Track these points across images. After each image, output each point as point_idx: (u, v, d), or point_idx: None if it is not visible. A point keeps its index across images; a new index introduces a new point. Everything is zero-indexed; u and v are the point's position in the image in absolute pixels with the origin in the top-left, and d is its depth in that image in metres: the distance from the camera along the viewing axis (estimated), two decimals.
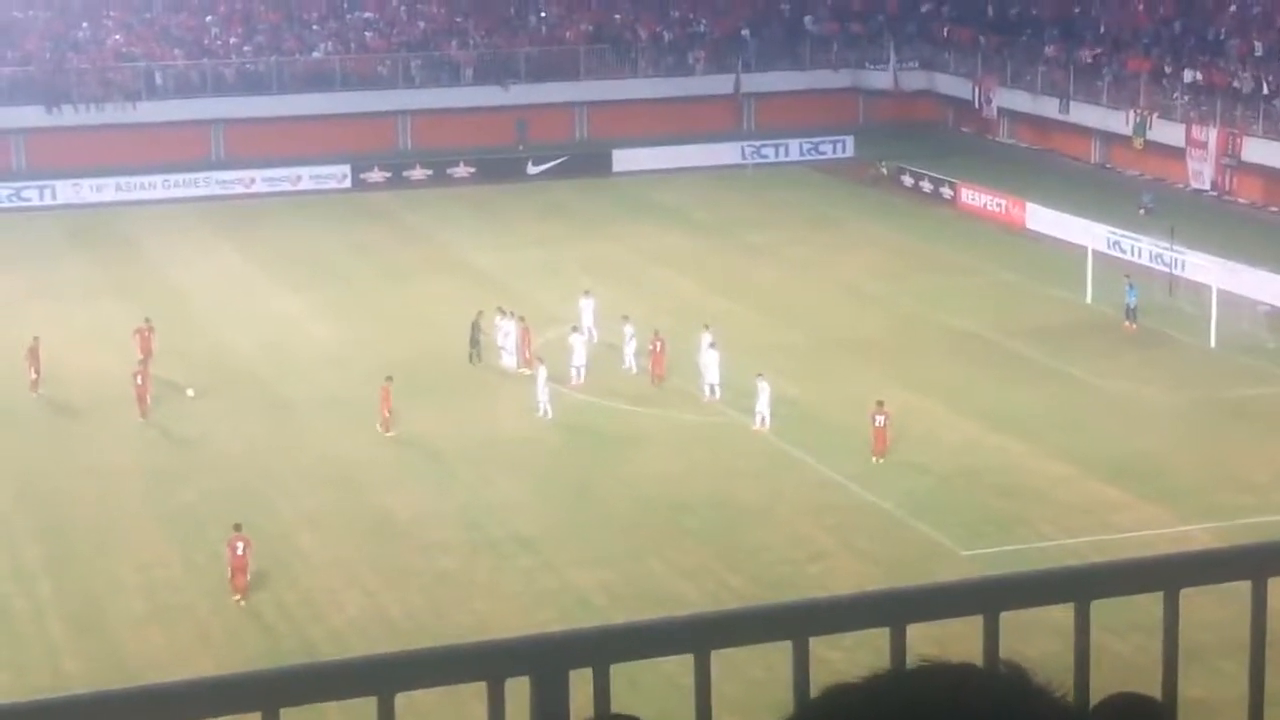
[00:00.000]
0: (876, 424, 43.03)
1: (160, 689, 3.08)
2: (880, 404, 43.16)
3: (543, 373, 46.97)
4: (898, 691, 2.37)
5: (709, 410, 46.94)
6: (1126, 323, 54.10)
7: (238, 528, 36.69)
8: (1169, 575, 3.45)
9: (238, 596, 35.89)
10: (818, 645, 3.26)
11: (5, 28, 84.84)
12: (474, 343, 51.16)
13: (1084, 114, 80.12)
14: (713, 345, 48.41)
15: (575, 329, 49.84)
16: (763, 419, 44.98)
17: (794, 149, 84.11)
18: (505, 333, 51.19)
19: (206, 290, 60.60)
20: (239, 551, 36.13)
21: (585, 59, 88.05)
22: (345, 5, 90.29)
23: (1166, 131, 75.22)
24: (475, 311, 51.95)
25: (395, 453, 44.11)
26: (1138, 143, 76.61)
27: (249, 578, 36.04)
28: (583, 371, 48.67)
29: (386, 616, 34.80)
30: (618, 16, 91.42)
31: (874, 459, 42.69)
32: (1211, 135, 73.00)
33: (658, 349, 49.36)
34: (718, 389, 47.65)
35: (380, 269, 63.20)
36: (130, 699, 3.07)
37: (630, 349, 50.32)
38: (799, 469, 42.30)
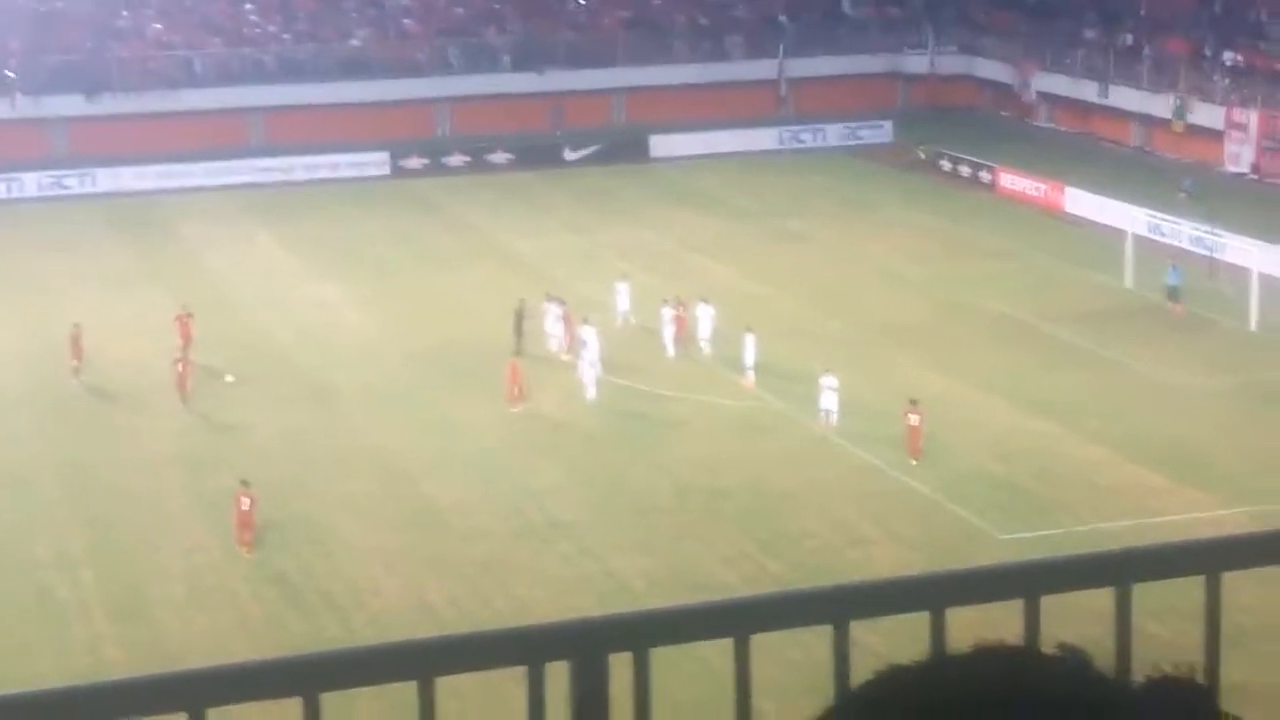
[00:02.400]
0: (910, 423, 41.84)
1: (201, 673, 3.09)
2: (914, 403, 42.05)
3: (586, 355, 47.01)
4: (955, 673, 2.33)
5: (748, 395, 46.91)
6: (1171, 305, 53.82)
7: (245, 484, 37.80)
8: (1211, 559, 3.43)
9: (244, 549, 37.12)
10: (856, 629, 3.26)
11: (47, 17, 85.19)
12: (518, 330, 51.01)
13: (1123, 97, 79.79)
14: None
15: (586, 321, 49.17)
16: (828, 415, 43.74)
17: (832, 134, 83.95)
18: (554, 317, 51.13)
19: (246, 277, 60.81)
20: (244, 507, 37.49)
21: (623, 45, 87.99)
22: None
23: (1207, 114, 74.87)
24: (519, 300, 51.83)
25: (435, 439, 44.21)
26: (1178, 126, 76.26)
27: (254, 533, 37.44)
28: (597, 363, 47.80)
29: (426, 602, 34.90)
30: (655, 2, 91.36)
31: (911, 460, 41.67)
32: (1252, 118, 72.61)
33: (681, 315, 50.48)
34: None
35: (419, 256, 63.32)
36: (171, 683, 3.08)
37: (669, 333, 50.34)
38: (837, 454, 42.25)
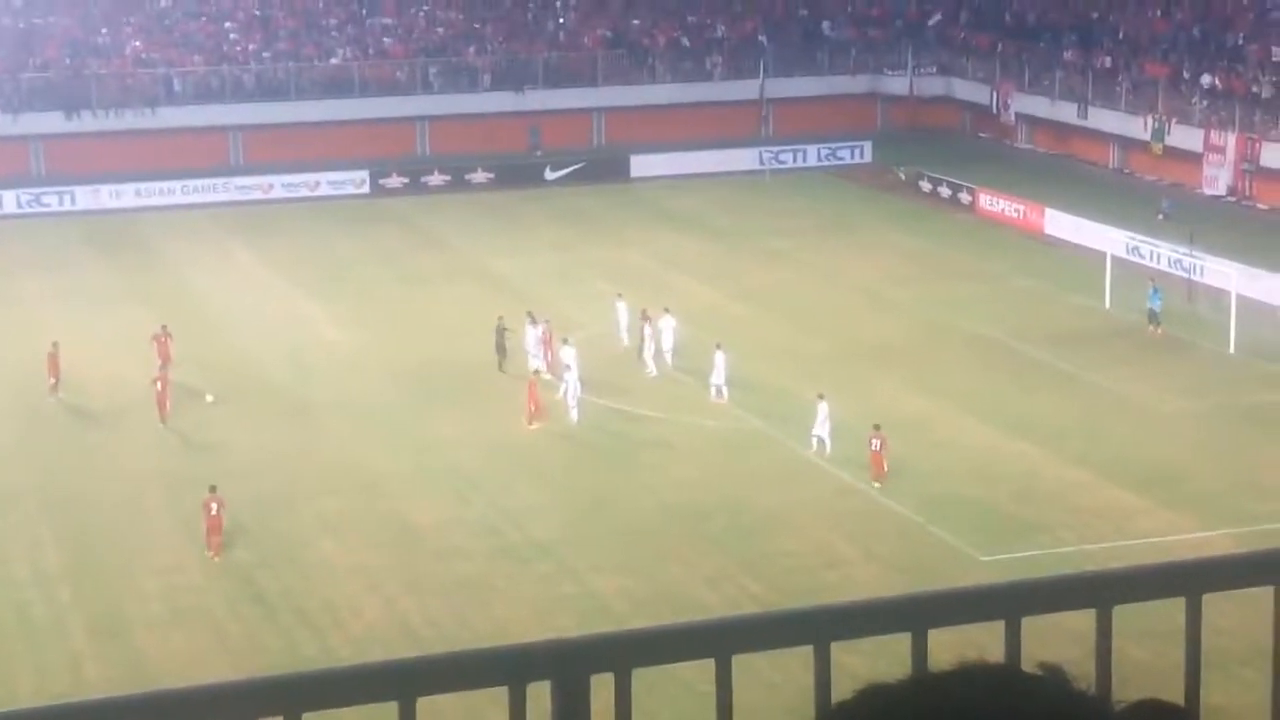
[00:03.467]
0: (873, 448, 41.74)
1: (181, 693, 3.08)
2: (877, 427, 41.96)
3: (570, 377, 46.85)
4: (937, 691, 2.31)
5: (729, 416, 46.91)
6: (1151, 327, 53.92)
7: (212, 489, 38.56)
8: (1192, 581, 3.44)
9: (212, 554, 37.91)
10: (837, 651, 3.26)
11: (25, 34, 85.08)
12: (500, 349, 51.00)
13: (1102, 119, 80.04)
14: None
15: (565, 341, 49.15)
16: (820, 442, 43.43)
17: (812, 155, 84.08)
18: (536, 338, 51.10)
19: (225, 296, 60.71)
20: (213, 511, 38.27)
21: (603, 65, 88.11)
22: (364, 11, 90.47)
23: (1185, 137, 75.12)
24: (497, 317, 51.86)
25: (415, 458, 44.14)
26: (1156, 148, 76.49)
27: (222, 537, 38.22)
28: (577, 385, 47.52)
29: (406, 622, 34.82)
30: (635, 22, 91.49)
31: (874, 484, 41.51)
32: (1230, 140, 72.87)
33: (645, 329, 51.08)
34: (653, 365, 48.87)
35: (399, 274, 63.27)
36: (151, 703, 3.07)
37: (650, 352, 50.35)
38: (818, 474, 42.25)
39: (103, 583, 36.91)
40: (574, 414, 46.36)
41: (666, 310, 51.90)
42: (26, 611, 35.72)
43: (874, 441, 41.73)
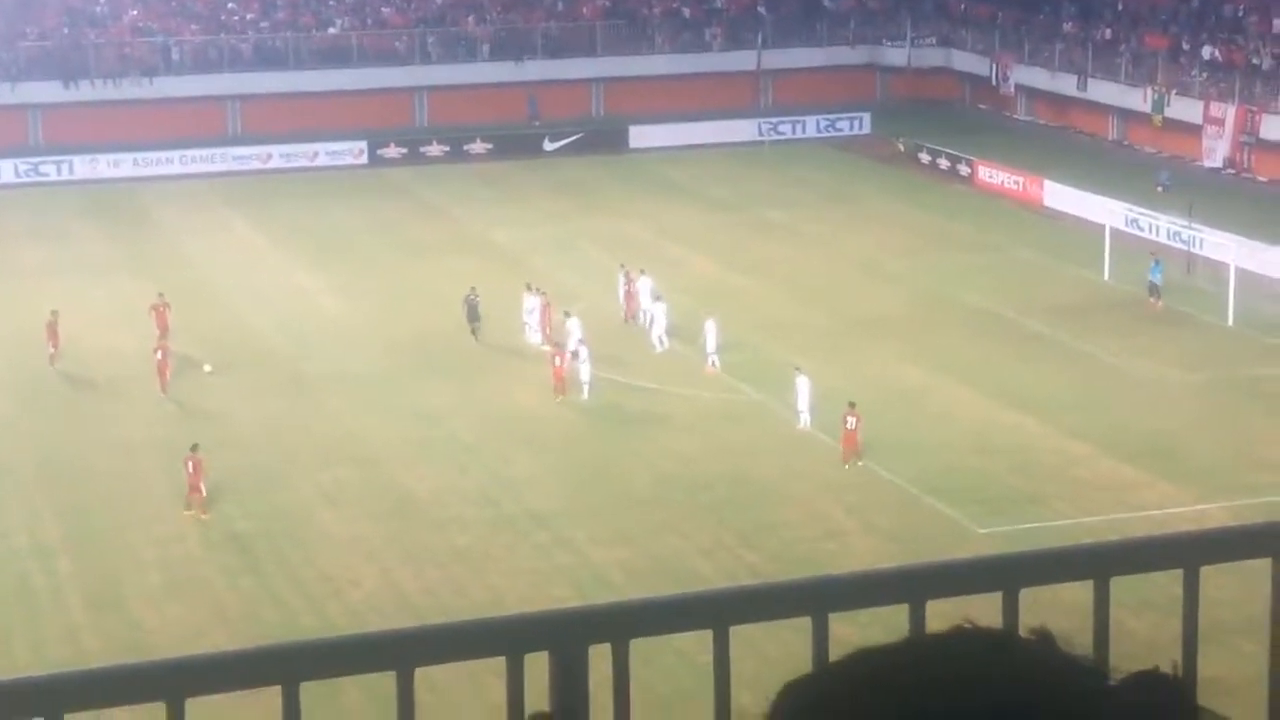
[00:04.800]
0: (847, 426, 41.24)
1: (179, 662, 3.08)
2: (852, 405, 41.54)
3: (584, 353, 46.71)
4: (929, 655, 2.29)
5: (726, 387, 46.92)
6: (1151, 299, 53.91)
7: (193, 448, 39.23)
8: (1189, 552, 3.44)
9: (188, 511, 38.52)
10: (834, 622, 3.27)
11: (23, 3, 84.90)
12: (472, 317, 51.15)
13: (1102, 91, 79.94)
14: (659, 298, 50.82)
15: (568, 313, 49.27)
16: (804, 417, 43.32)
17: (811, 126, 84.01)
18: (530, 309, 51.18)
19: (223, 266, 60.69)
20: (189, 469, 38.89)
21: (601, 35, 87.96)
22: None
23: (1185, 109, 75.03)
24: (469, 288, 51.93)
25: (412, 429, 44.16)
26: (1156, 120, 76.41)
27: (202, 495, 38.68)
28: (584, 353, 47.79)
29: (403, 592, 34.88)
30: None
31: (845, 464, 41.07)
32: (1229, 112, 72.79)
33: (630, 289, 52.63)
34: (665, 340, 49.59)
35: (397, 245, 63.23)
36: (151, 672, 3.07)
37: (657, 330, 50.20)
38: (815, 446, 42.27)
39: (101, 553, 36.96)
40: (585, 391, 46.15)
41: (643, 271, 53.28)
42: (25, 582, 35.76)
43: (849, 420, 41.33)
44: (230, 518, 38.76)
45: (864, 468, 41.06)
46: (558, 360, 46.70)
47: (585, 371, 46.23)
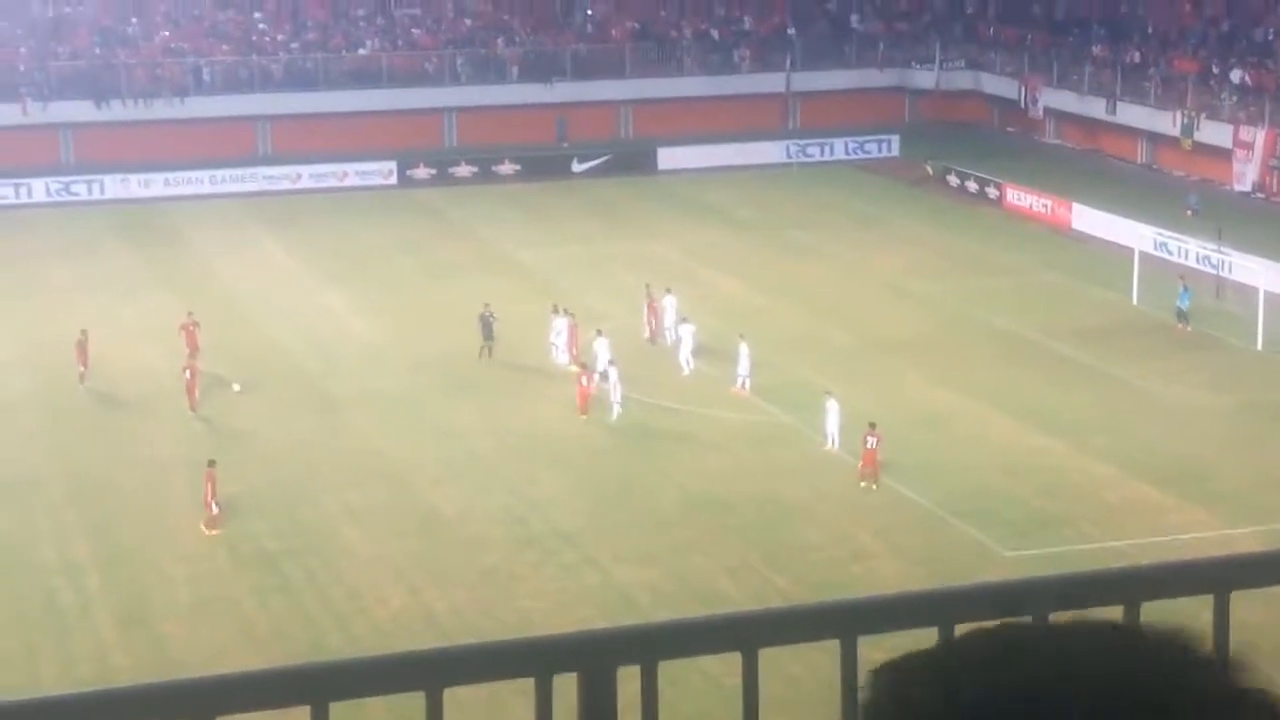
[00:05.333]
0: (868, 446, 41.23)
1: (210, 681, 3.09)
2: (873, 426, 41.51)
3: (614, 373, 46.76)
4: (1053, 643, 2.12)
5: (753, 408, 46.89)
6: (1179, 325, 53.75)
7: (210, 464, 39.32)
8: (1220, 578, 3.44)
9: (204, 526, 38.89)
10: (861, 645, 3.26)
11: (55, 23, 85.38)
12: (487, 335, 51.27)
13: (1131, 114, 79.80)
14: (685, 319, 51.12)
15: (600, 332, 49.41)
16: (833, 440, 43.21)
17: (839, 148, 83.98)
18: (558, 330, 51.25)
19: (252, 285, 60.84)
20: (206, 485, 39.25)
21: (630, 57, 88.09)
22: (392, 2, 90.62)
23: (1214, 132, 74.87)
24: (483, 305, 52.06)
25: (439, 448, 44.20)
26: (1186, 144, 76.25)
27: (213, 511, 38.90)
28: (611, 374, 47.75)
29: (431, 612, 34.88)
30: (663, 14, 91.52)
31: (861, 483, 41.04)
32: (1259, 136, 72.61)
33: (654, 307, 53.17)
34: (691, 361, 49.74)
35: (425, 265, 63.33)
36: (181, 691, 3.08)
37: (685, 351, 50.17)
38: (843, 468, 42.20)
39: (129, 571, 37.03)
40: (616, 410, 46.14)
41: (669, 290, 53.71)
42: (54, 599, 35.84)
43: (869, 440, 41.33)
44: (258, 535, 38.82)
45: (883, 489, 40.97)
46: (584, 380, 46.75)
47: (617, 392, 46.25)
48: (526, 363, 50.93)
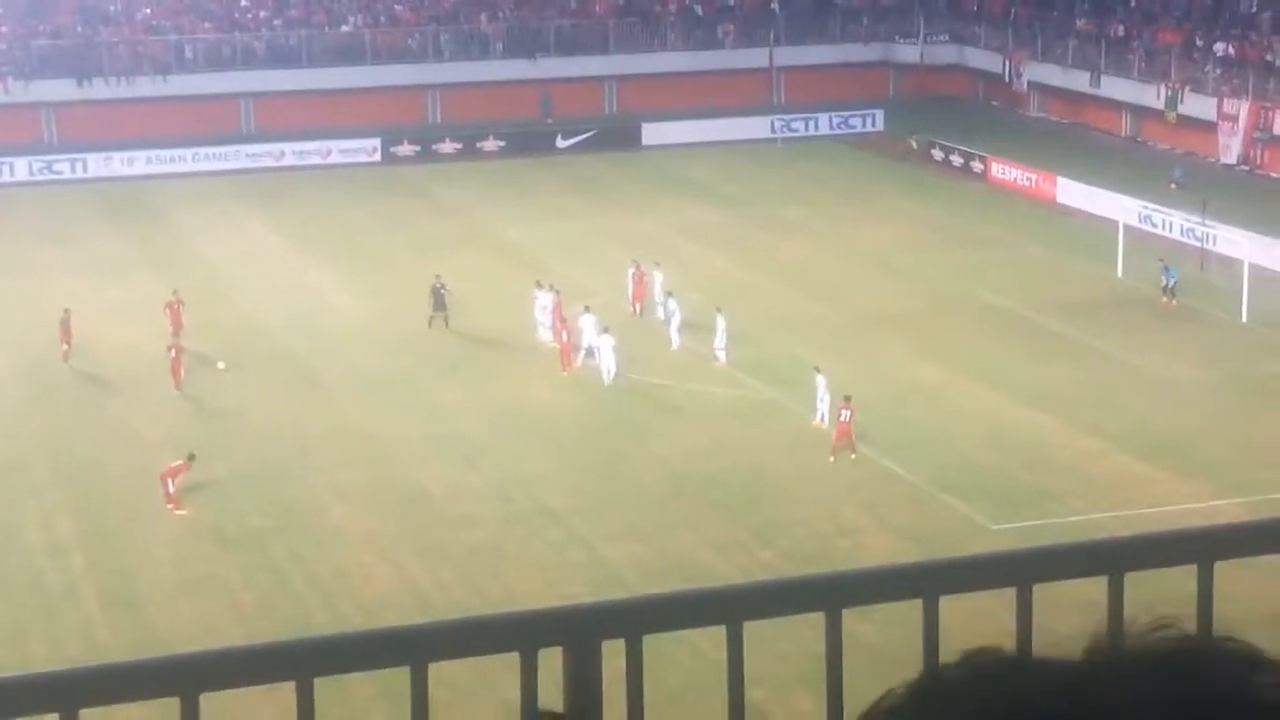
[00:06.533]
0: (841, 418, 41.33)
1: (193, 658, 3.09)
2: (848, 399, 41.58)
3: (610, 342, 46.95)
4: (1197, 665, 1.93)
5: (739, 383, 46.92)
6: (1164, 298, 53.79)
7: (190, 457, 39.52)
8: (1203, 548, 3.44)
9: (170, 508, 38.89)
10: (849, 619, 3.26)
11: (37, 1, 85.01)
12: (438, 306, 51.81)
13: (1115, 88, 79.82)
14: (670, 294, 51.30)
15: (586, 309, 49.58)
16: (823, 416, 43.17)
17: (824, 123, 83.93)
18: (542, 306, 51.30)
19: (237, 263, 60.74)
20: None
21: (614, 32, 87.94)
22: None
23: (1198, 105, 74.90)
24: (433, 275, 52.70)
25: (425, 426, 44.19)
26: (1170, 117, 76.29)
27: (169, 490, 38.89)
28: (596, 353, 48.00)
29: (417, 589, 34.90)
30: None
31: (831, 457, 41.14)
32: (1243, 109, 72.65)
33: (640, 280, 53.25)
34: (678, 337, 49.67)
35: (410, 242, 63.25)
36: (165, 667, 3.08)
37: (675, 324, 50.23)
38: (829, 443, 42.20)
39: (114, 550, 37.01)
40: (607, 378, 46.66)
41: (657, 264, 54.20)
42: (39, 579, 35.82)
43: (843, 413, 41.42)
44: (244, 514, 38.81)
45: (869, 463, 41.03)
46: (565, 335, 47.89)
47: (611, 359, 46.48)
48: (512, 339, 50.90)
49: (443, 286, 52.14)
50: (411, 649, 3.13)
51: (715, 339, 48.35)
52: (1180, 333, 51.07)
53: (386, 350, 50.34)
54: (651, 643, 3.21)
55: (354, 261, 60.70)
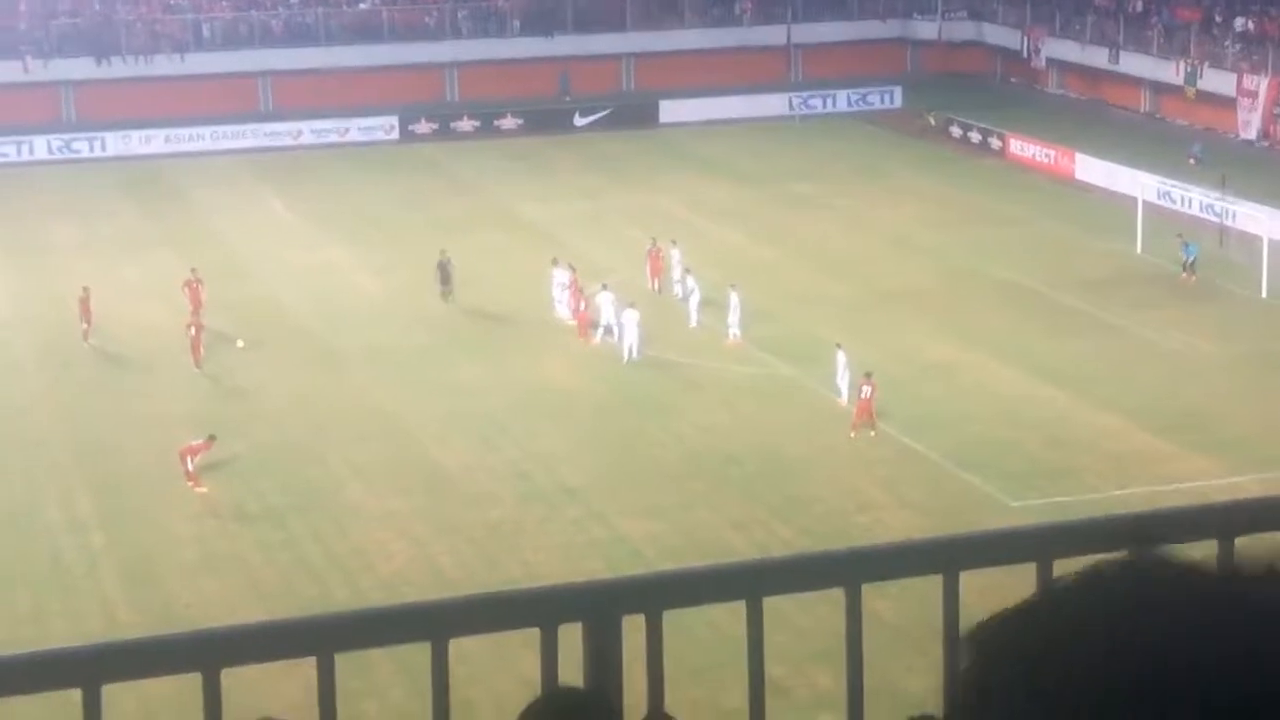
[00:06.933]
0: (862, 395, 41.39)
1: (214, 634, 3.10)
2: (868, 375, 41.54)
3: (633, 316, 46.96)
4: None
5: (757, 361, 46.90)
6: (1183, 274, 53.66)
7: (211, 437, 39.55)
8: (1223, 523, 3.44)
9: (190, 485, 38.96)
10: (866, 595, 3.26)
11: None
12: (444, 281, 52.27)
13: (1134, 64, 79.56)
14: (689, 271, 51.47)
15: (604, 286, 49.54)
16: (844, 394, 43.02)
17: (841, 100, 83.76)
18: (559, 283, 51.29)
19: (255, 241, 60.79)
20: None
21: (632, 10, 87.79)
22: None
23: (1217, 81, 74.64)
24: (440, 251, 53.10)
25: (444, 404, 44.22)
26: (1189, 93, 76.04)
27: (188, 469, 39.00)
28: (615, 331, 47.97)
29: (436, 566, 34.96)
30: None
31: (851, 433, 41.20)
32: (1263, 85, 72.39)
33: (656, 256, 53.45)
34: (696, 314, 49.91)
35: (428, 220, 63.24)
36: (185, 643, 3.09)
37: (694, 302, 50.17)
38: (847, 420, 42.18)
39: (135, 528, 37.09)
40: (629, 354, 46.78)
41: (674, 242, 54.02)
42: (60, 557, 35.92)
43: (864, 389, 41.44)
44: (263, 492, 38.88)
45: (888, 440, 41.00)
46: (583, 305, 48.46)
47: (635, 334, 46.64)
48: (530, 317, 50.90)
49: (449, 261, 52.43)
50: (432, 625, 3.14)
51: (729, 315, 48.36)
52: (1199, 309, 50.94)
53: (404, 328, 50.37)
54: (671, 618, 3.21)
55: (372, 239, 60.72)
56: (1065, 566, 3.29)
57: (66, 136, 76.31)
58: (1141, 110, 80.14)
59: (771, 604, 3.24)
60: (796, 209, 64.38)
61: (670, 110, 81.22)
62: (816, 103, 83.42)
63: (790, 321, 49.58)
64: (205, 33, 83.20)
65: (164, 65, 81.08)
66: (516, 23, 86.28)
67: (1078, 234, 59.52)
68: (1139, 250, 56.39)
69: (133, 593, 34.06)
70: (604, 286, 49.39)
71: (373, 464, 40.47)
